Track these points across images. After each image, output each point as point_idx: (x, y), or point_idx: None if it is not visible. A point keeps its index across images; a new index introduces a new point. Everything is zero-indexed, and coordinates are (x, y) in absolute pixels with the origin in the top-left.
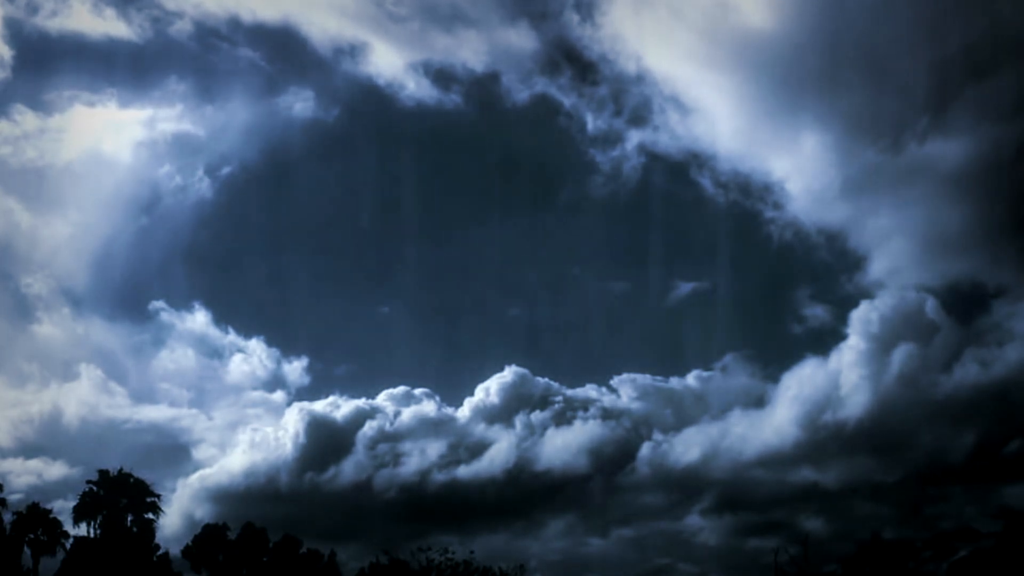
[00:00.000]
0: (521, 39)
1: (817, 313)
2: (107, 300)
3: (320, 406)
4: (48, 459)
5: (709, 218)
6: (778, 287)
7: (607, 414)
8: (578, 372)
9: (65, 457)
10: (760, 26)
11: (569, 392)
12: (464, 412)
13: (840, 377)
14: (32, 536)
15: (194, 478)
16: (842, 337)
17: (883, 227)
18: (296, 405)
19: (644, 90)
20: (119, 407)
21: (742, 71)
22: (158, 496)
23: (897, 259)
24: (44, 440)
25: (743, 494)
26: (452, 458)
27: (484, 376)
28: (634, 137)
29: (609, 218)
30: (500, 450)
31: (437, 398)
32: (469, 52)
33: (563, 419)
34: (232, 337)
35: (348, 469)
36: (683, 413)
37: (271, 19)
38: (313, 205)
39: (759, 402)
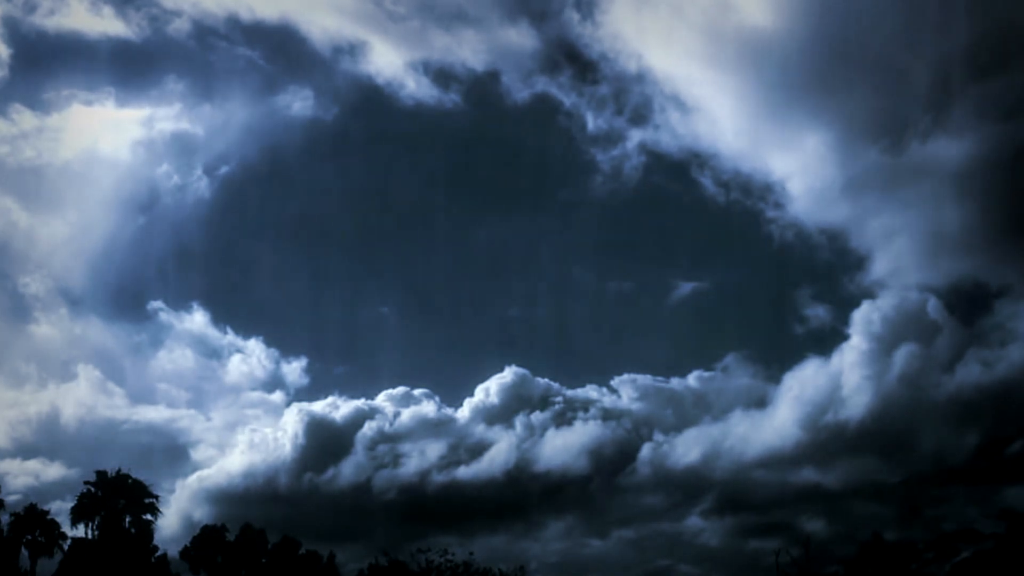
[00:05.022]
0: (521, 38)
1: (818, 313)
2: (105, 300)
3: (319, 407)
4: (46, 460)
5: (710, 218)
6: (779, 287)
7: (607, 415)
8: (578, 372)
9: (63, 458)
10: (761, 25)
11: (569, 392)
12: (464, 413)
13: (842, 377)
14: (30, 537)
15: (192, 479)
16: (844, 337)
17: (885, 227)
18: (295, 406)
19: (645, 89)
20: (117, 408)
21: (743, 70)
22: (156, 497)
23: (899, 259)
24: (42, 441)
25: (744, 495)
26: (452, 459)
27: (484, 376)
28: (635, 136)
29: (609, 218)
30: (500, 451)
31: (437, 398)
32: (469, 51)
33: (563, 420)
34: (231, 337)
35: (347, 470)
36: (684, 414)
37: (270, 18)
38: (312, 205)
39: (760, 403)
